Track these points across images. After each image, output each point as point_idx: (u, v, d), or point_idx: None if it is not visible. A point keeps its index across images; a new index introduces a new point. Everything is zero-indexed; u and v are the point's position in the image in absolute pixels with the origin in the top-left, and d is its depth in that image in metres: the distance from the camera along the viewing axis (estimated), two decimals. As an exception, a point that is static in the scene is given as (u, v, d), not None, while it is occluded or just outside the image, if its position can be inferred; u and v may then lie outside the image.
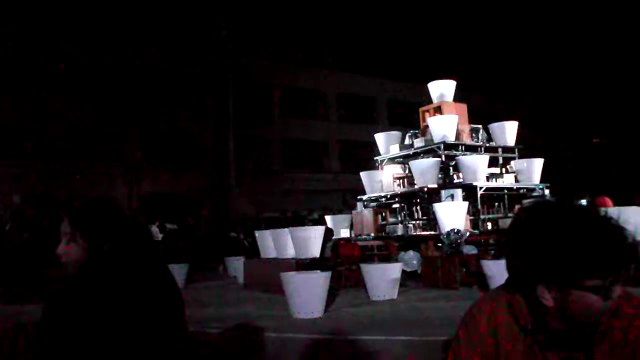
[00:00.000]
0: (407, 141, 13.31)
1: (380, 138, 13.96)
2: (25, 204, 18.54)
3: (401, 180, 12.96)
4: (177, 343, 2.05)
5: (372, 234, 12.05)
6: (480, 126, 12.91)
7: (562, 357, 1.46)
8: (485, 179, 11.96)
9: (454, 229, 9.71)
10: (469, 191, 11.57)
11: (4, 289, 9.69)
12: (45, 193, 19.89)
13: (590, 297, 1.35)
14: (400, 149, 13.19)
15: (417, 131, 13.30)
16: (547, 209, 1.45)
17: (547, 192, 12.45)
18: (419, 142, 12.67)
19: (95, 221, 2.01)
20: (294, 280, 6.91)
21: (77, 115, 22.75)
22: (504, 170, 12.79)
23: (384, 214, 12.90)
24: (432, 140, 12.31)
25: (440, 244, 9.95)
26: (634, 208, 9.15)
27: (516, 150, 13.01)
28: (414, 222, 12.41)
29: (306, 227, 11.31)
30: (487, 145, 12.75)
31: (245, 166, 25.83)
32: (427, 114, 13.10)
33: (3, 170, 20.94)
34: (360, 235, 12.19)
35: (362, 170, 13.78)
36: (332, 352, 4.93)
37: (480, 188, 11.53)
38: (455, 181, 12.18)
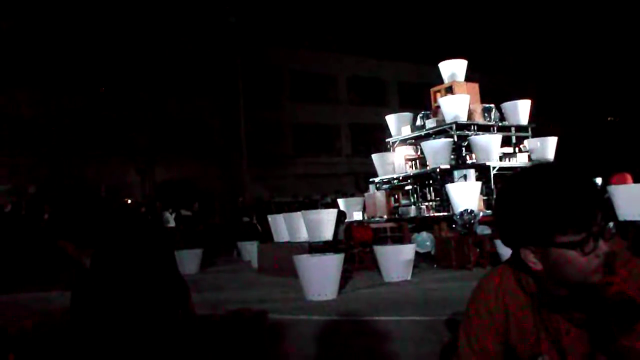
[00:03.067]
0: (418, 122, 13.21)
1: (391, 120, 13.87)
2: (39, 194, 18.74)
3: (413, 162, 12.89)
4: (171, 325, 2.07)
5: (385, 216, 12.04)
6: (492, 105, 12.75)
7: (569, 319, 1.45)
8: (498, 158, 11.86)
9: (467, 210, 9.66)
10: (482, 171, 11.49)
11: (23, 277, 9.84)
12: (59, 183, 20.09)
13: (568, 254, 1.33)
14: (412, 130, 13.10)
15: (428, 112, 13.19)
16: (521, 173, 1.45)
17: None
18: (430, 123, 12.57)
19: (75, 229, 2.06)
20: (307, 263, 6.93)
21: (88, 104, 22.84)
22: (517, 149, 12.67)
23: (396, 195, 12.87)
24: (443, 120, 12.21)
25: (453, 225, 9.91)
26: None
27: (529, 129, 12.86)
28: (426, 203, 12.36)
29: (319, 210, 11.32)
30: (500, 124, 12.61)
31: (257, 151, 25.85)
32: (438, 95, 12.97)
33: (18, 160, 21.14)
34: (373, 217, 12.18)
35: (374, 153, 13.71)
36: (345, 333, 4.94)
37: (494, 168, 11.44)
38: (468, 161, 12.09)
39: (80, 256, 2.04)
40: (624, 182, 10.12)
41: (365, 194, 13.30)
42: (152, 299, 1.97)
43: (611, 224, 1.40)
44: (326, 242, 9.13)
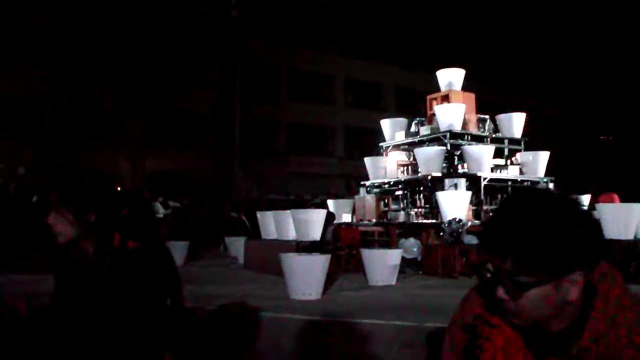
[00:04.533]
0: (413, 129, 13.25)
1: (386, 124, 13.89)
2: (29, 176, 18.62)
3: (405, 168, 12.91)
4: (171, 315, 2.09)
5: (374, 220, 12.05)
6: (487, 116, 12.80)
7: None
8: (489, 169, 11.90)
9: (455, 218, 9.70)
10: (473, 181, 11.52)
11: (11, 259, 9.78)
12: (50, 166, 19.95)
13: None
14: (406, 136, 13.13)
15: (423, 119, 13.23)
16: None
17: (551, 185, 12.39)
18: (424, 130, 12.60)
19: (81, 192, 2.04)
20: (293, 262, 6.94)
21: (81, 89, 22.70)
22: (509, 162, 12.73)
23: (386, 200, 12.89)
24: (438, 128, 12.24)
25: (441, 233, 9.94)
26: (638, 205, 9.09)
27: (522, 142, 12.93)
28: (416, 209, 12.39)
29: (308, 209, 11.32)
30: (494, 136, 12.67)
31: (251, 147, 25.82)
32: (434, 102, 13.01)
33: (8, 142, 20.98)
34: (362, 220, 12.19)
35: (367, 156, 13.74)
36: (327, 333, 4.95)
37: (484, 179, 11.48)
38: (459, 171, 12.13)
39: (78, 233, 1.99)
40: (610, 202, 10.22)
41: (356, 197, 13.31)
42: (146, 286, 1.99)
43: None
44: (313, 242, 9.13)
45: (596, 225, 1.33)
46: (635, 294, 1.36)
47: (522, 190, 1.44)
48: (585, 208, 1.36)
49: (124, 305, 1.95)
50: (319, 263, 6.90)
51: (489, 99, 18.99)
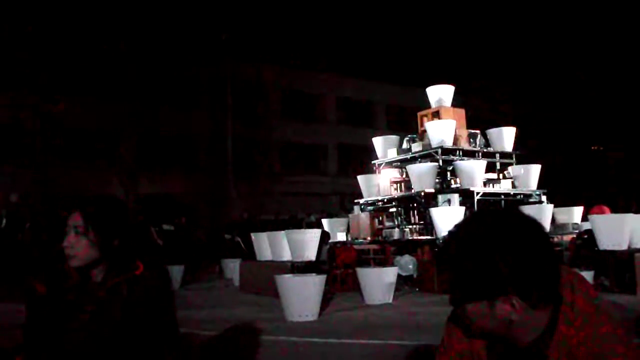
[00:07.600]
0: (405, 145, 13.30)
1: (378, 142, 13.95)
2: (22, 203, 18.52)
3: (398, 185, 12.95)
4: (170, 340, 2.08)
5: (369, 238, 12.04)
6: (478, 131, 12.89)
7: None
8: (482, 184, 11.95)
9: (450, 234, 9.68)
10: (466, 196, 11.55)
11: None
12: (42, 192, 19.87)
13: None
14: (398, 153, 13.18)
15: (415, 135, 13.30)
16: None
17: (544, 198, 12.46)
18: (416, 147, 12.66)
19: (108, 216, 2.03)
20: (289, 283, 6.91)
21: (73, 115, 22.68)
22: (501, 175, 12.79)
23: (380, 217, 12.88)
24: (429, 144, 12.30)
25: (436, 249, 9.94)
26: (631, 215, 9.16)
27: (514, 156, 13.01)
28: (410, 226, 12.40)
29: (302, 229, 11.31)
30: (485, 150, 12.74)
31: (244, 168, 25.82)
32: (425, 119, 13.09)
33: (0, 168, 20.90)
34: (356, 238, 12.18)
35: (360, 174, 13.77)
36: (325, 355, 4.92)
37: (477, 193, 11.51)
38: (452, 186, 12.17)
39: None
40: (602, 213, 10.27)
41: (350, 215, 13.31)
42: (155, 313, 1.98)
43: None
44: (309, 263, 9.11)
45: (546, 253, 1.34)
46: (607, 303, 1.40)
47: (478, 213, 1.51)
48: (545, 235, 1.36)
49: (133, 334, 1.93)
50: (315, 284, 6.88)
51: (481, 114, 19.13)
